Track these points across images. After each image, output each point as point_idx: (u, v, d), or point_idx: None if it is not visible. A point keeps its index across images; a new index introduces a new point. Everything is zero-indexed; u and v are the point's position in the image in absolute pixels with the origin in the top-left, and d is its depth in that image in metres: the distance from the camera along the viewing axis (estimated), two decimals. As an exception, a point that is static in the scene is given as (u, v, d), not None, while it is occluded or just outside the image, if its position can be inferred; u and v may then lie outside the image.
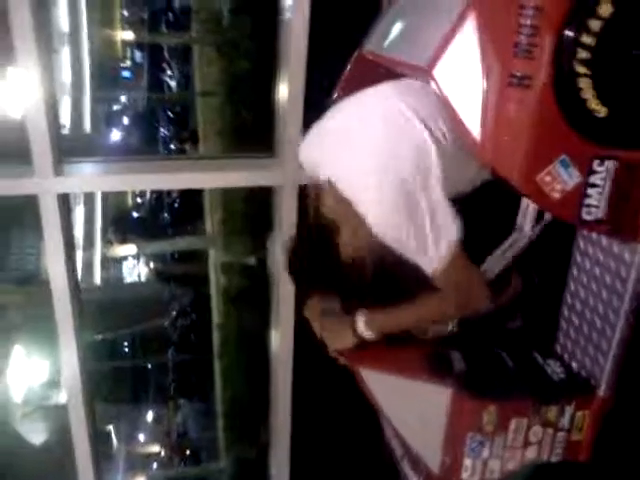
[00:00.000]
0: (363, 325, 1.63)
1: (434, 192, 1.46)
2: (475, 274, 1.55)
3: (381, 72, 1.70)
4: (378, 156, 1.49)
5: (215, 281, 8.73)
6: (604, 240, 1.63)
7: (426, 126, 1.50)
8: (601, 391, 1.65)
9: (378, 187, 1.47)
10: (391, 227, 1.48)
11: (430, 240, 1.45)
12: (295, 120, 2.22)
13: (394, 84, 1.64)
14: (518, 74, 1.33)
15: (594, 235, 1.65)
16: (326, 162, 1.60)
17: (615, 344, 1.60)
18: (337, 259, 1.57)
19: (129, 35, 13.23)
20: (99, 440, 2.70)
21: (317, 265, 1.59)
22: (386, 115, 1.54)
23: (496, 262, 1.70)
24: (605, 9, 1.31)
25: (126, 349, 11.82)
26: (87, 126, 11.39)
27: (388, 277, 1.69)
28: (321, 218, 1.59)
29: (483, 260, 1.69)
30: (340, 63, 1.91)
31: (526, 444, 1.64)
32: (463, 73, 1.38)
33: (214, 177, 2.45)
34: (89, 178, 2.34)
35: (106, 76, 12.91)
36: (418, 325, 1.67)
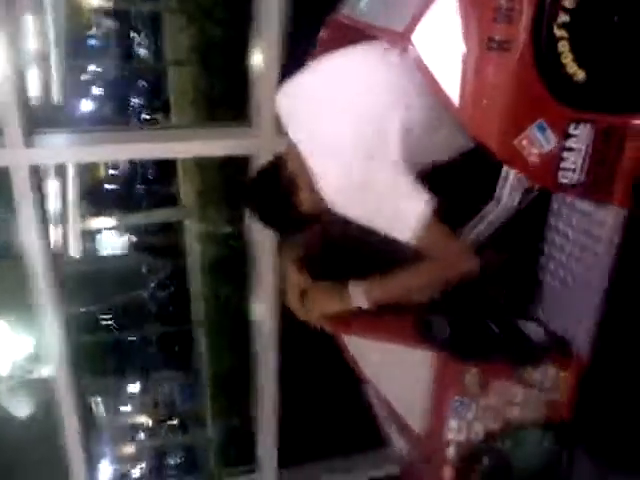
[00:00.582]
0: (358, 291, 1.64)
1: (396, 167, 1.48)
2: (453, 237, 1.57)
3: (357, 37, 1.68)
4: (341, 135, 1.51)
5: (193, 252, 8.71)
6: (577, 202, 1.64)
7: (393, 100, 1.51)
8: (580, 352, 1.68)
9: (337, 171, 1.50)
10: (351, 207, 1.52)
11: (395, 215, 1.48)
12: (270, 88, 2.18)
13: (366, 50, 1.63)
14: (497, 38, 1.33)
15: (568, 197, 1.66)
16: (293, 122, 1.63)
17: (592, 305, 1.62)
18: (294, 206, 1.60)
19: (97, 1, 12.90)
20: (86, 412, 2.71)
21: (271, 202, 1.63)
22: (354, 89, 1.56)
23: (471, 231, 1.70)
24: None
25: (108, 322, 11.80)
26: (57, 96, 11.15)
27: (369, 246, 1.71)
28: (285, 166, 1.61)
29: (459, 228, 1.70)
30: (316, 29, 1.88)
31: (508, 404, 1.67)
32: (441, 38, 1.38)
33: (188, 147, 2.42)
34: (61, 149, 2.29)
35: (75, 45, 12.61)
36: (412, 292, 1.68)
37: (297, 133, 1.61)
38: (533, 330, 1.75)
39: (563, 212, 1.71)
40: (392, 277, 1.63)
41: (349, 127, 1.51)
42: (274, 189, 1.60)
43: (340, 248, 1.83)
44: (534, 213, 1.76)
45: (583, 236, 1.64)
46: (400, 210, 1.48)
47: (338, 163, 1.50)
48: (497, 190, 1.63)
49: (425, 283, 1.65)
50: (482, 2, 1.33)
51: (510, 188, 1.61)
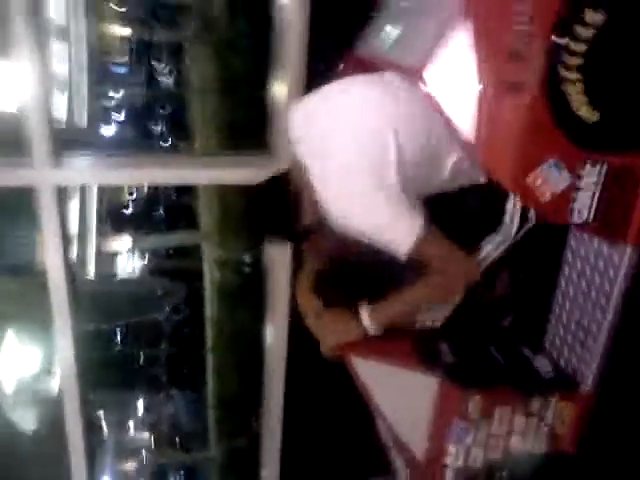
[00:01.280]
0: (367, 317, 1.67)
1: (393, 188, 1.51)
2: (452, 249, 1.59)
3: (373, 71, 1.72)
4: (344, 153, 1.55)
5: (209, 276, 8.73)
6: (595, 241, 1.66)
7: (395, 130, 1.53)
8: (586, 387, 1.69)
9: (338, 186, 1.54)
10: (350, 223, 1.55)
11: (391, 233, 1.51)
12: None
13: (378, 82, 1.66)
14: (511, 79, 1.37)
15: (586, 236, 1.68)
16: (303, 145, 1.67)
17: (601, 342, 1.64)
18: (297, 216, 1.63)
19: (126, 31, 13.19)
20: (91, 428, 2.72)
21: (276, 211, 1.65)
22: (359, 112, 1.59)
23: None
24: (592, 16, 1.34)
25: (120, 342, 11.81)
26: (84, 120, 11.35)
27: (375, 268, 1.73)
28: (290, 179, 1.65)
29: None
30: (335, 63, 1.93)
31: (510, 433, 1.68)
32: (455, 77, 1.42)
33: (209, 174, 2.48)
34: (86, 171, 2.35)
35: (102, 72, 12.86)
36: (420, 309, 1.71)
37: (306, 153, 1.65)
38: (541, 363, 1.76)
39: (580, 249, 1.73)
40: (398, 295, 1.66)
41: (352, 146, 1.55)
42: (280, 198, 1.64)
43: (348, 263, 1.87)
44: (552, 247, 1.78)
45: (596, 273, 1.65)
46: (395, 229, 1.51)
47: (338, 178, 1.55)
48: (505, 219, 1.65)
49: (431, 297, 1.67)
50: (496, 43, 1.37)
51: (517, 219, 1.63)
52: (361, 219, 1.53)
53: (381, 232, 1.53)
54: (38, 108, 2.09)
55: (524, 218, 1.64)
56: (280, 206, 1.64)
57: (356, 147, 1.54)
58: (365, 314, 1.68)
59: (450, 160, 1.56)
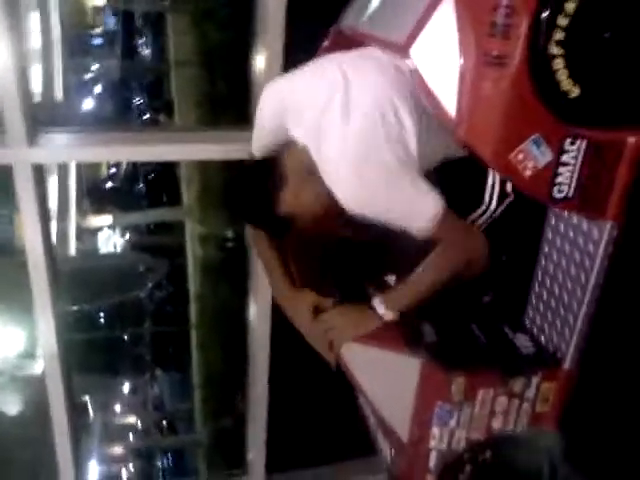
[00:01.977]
0: (383, 306, 1.62)
1: (412, 167, 1.49)
2: (464, 222, 1.59)
3: (358, 47, 1.70)
4: (359, 138, 1.50)
5: (192, 253, 8.71)
6: (575, 218, 1.66)
7: (402, 106, 1.51)
8: (567, 364, 1.70)
9: (357, 171, 1.49)
10: (369, 205, 1.51)
11: (411, 210, 1.48)
12: None
13: (377, 58, 1.62)
14: (494, 53, 1.35)
15: (565, 212, 1.68)
16: (299, 121, 1.59)
17: (581, 319, 1.64)
18: (273, 203, 1.56)
19: (101, 1, 12.94)
20: (76, 411, 2.71)
21: (252, 193, 1.57)
22: (370, 95, 1.53)
23: None
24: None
25: (103, 320, 11.79)
26: (59, 94, 11.17)
27: (380, 251, 1.72)
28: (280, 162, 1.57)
29: None
30: (318, 37, 1.91)
31: (492, 414, 1.69)
32: (439, 51, 1.40)
33: (190, 150, 2.44)
34: (64, 149, 2.32)
35: (78, 43, 12.65)
36: (435, 288, 1.62)
37: (298, 129, 1.59)
38: (522, 341, 1.77)
39: (560, 226, 1.73)
40: (409, 279, 1.63)
41: (360, 122, 1.50)
42: (260, 181, 1.57)
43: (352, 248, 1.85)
44: (531, 223, 1.79)
45: (576, 250, 1.66)
46: (414, 206, 1.48)
47: (349, 160, 1.50)
48: (485, 196, 1.65)
49: (448, 274, 1.59)
50: (479, 17, 1.35)
51: (497, 195, 1.63)
52: (381, 195, 1.49)
53: (402, 206, 1.49)
54: (13, 85, 2.03)
55: (504, 193, 1.64)
56: (261, 194, 1.57)
57: (371, 121, 1.49)
58: (380, 304, 1.63)
59: (438, 137, 1.54)
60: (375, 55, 1.62)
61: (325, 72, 1.62)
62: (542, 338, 1.80)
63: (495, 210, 1.66)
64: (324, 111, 1.54)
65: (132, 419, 13.03)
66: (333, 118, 1.52)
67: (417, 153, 1.51)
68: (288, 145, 1.61)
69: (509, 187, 1.63)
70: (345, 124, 1.51)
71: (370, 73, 1.57)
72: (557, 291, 1.74)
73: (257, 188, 1.57)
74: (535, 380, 1.68)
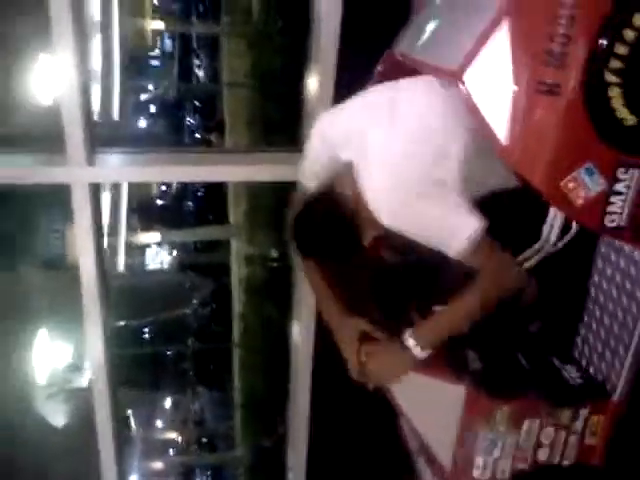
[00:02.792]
0: (413, 343, 1.56)
1: (454, 185, 1.49)
2: (502, 253, 1.54)
3: (412, 73, 1.71)
4: (403, 148, 1.52)
5: (237, 271, 8.79)
6: (626, 247, 1.64)
7: (451, 127, 1.52)
8: (616, 397, 1.67)
9: (394, 181, 1.49)
10: (403, 218, 1.50)
11: (448, 230, 1.47)
12: None
13: (421, 80, 1.65)
14: (548, 81, 1.34)
15: (616, 242, 1.65)
16: (344, 145, 1.61)
17: (632, 351, 1.61)
18: (358, 238, 1.56)
19: (159, 24, 13.32)
20: (120, 424, 2.75)
21: (327, 235, 1.55)
22: (418, 112, 1.56)
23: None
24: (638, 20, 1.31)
25: (147, 335, 11.95)
26: (116, 114, 11.50)
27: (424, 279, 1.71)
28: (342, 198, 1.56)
29: None
30: (370, 62, 1.93)
31: (538, 445, 1.66)
32: (493, 78, 1.40)
33: (241, 171, 2.47)
34: (120, 169, 2.38)
35: (136, 65, 13.02)
36: (467, 321, 1.58)
37: (347, 151, 1.60)
38: (570, 372, 1.74)
39: (611, 256, 1.71)
40: (442, 312, 1.61)
41: (403, 144, 1.52)
42: (336, 220, 1.55)
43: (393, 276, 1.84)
44: (582, 254, 1.76)
45: (627, 280, 1.63)
46: (453, 225, 1.47)
47: (387, 176, 1.50)
48: (544, 230, 1.64)
49: (479, 308, 1.55)
50: (534, 45, 1.35)
51: (558, 229, 1.61)
52: (416, 209, 1.48)
53: (438, 223, 1.48)
54: (76, 107, 2.10)
55: (566, 228, 1.62)
56: (339, 228, 1.55)
57: (416, 136, 1.51)
58: (411, 341, 1.57)
59: (488, 166, 1.55)
60: (426, 79, 1.63)
61: (370, 97, 1.66)
62: (591, 369, 1.77)
63: (555, 244, 1.65)
64: (371, 127, 1.56)
65: (173, 435, 13.10)
66: (380, 128, 1.55)
67: (461, 175, 1.50)
68: (338, 174, 1.61)
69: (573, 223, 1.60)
70: (390, 132, 1.53)
71: (419, 92, 1.60)
72: (607, 322, 1.71)
73: (334, 221, 1.55)
74: (583, 412, 1.65)
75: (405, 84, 1.67)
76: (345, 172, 1.59)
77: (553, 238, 1.63)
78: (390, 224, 1.52)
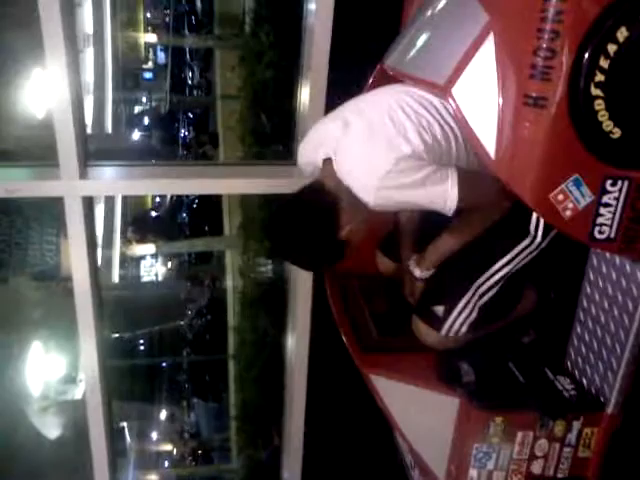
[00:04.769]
0: (416, 267, 1.80)
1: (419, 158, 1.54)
2: (486, 183, 1.59)
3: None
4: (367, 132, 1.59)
5: (232, 283, 8.77)
6: (617, 259, 1.64)
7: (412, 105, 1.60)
8: (610, 409, 1.67)
9: (369, 168, 1.55)
10: (388, 202, 1.56)
11: (432, 200, 1.54)
12: None
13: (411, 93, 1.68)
14: (533, 94, 1.36)
15: (608, 253, 1.67)
16: (326, 143, 1.68)
17: (624, 363, 1.62)
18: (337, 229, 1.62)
19: (152, 37, 13.37)
20: (114, 436, 2.74)
21: (313, 226, 1.63)
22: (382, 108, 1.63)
23: (508, 264, 1.73)
24: (623, 33, 1.32)
25: (142, 347, 11.90)
26: (109, 126, 11.51)
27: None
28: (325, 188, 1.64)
29: (494, 262, 1.72)
30: (361, 75, 1.95)
31: (532, 457, 1.66)
32: (479, 92, 1.42)
33: (234, 184, 2.48)
34: (112, 182, 2.39)
35: (128, 77, 13.04)
36: (466, 240, 1.72)
37: (325, 148, 1.67)
38: (563, 384, 1.74)
39: (602, 267, 1.72)
40: (443, 243, 1.74)
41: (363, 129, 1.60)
42: (317, 212, 1.63)
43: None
44: (573, 263, 1.77)
45: (619, 292, 1.64)
46: (434, 195, 1.53)
47: (359, 162, 1.58)
48: (531, 228, 1.65)
49: (471, 234, 1.70)
50: (519, 59, 1.37)
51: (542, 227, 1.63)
52: (400, 190, 1.54)
53: (422, 201, 1.55)
54: (69, 121, 2.12)
55: (549, 226, 1.64)
56: (318, 220, 1.63)
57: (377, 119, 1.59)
58: (413, 265, 1.81)
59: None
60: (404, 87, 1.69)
61: (347, 105, 1.74)
62: (584, 381, 1.77)
63: (541, 242, 1.67)
64: (342, 124, 1.64)
65: (168, 447, 13.02)
66: (348, 123, 1.63)
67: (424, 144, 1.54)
68: (321, 170, 1.69)
69: None
70: (356, 124, 1.61)
71: (383, 92, 1.69)
72: (599, 333, 1.72)
73: (317, 220, 1.62)
74: (577, 424, 1.65)
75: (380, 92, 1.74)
76: (325, 166, 1.66)
77: (539, 237, 1.65)
78: (376, 205, 1.57)
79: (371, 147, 1.56)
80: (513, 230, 1.69)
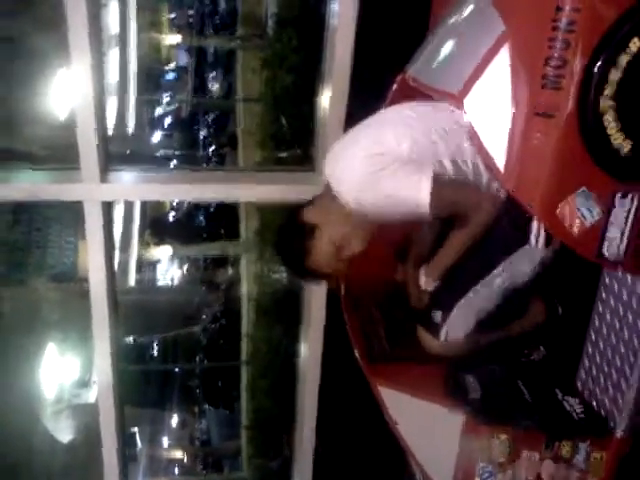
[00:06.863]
0: (424, 279, 1.83)
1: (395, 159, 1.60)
2: (463, 191, 1.64)
3: (422, 96, 1.74)
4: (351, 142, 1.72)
5: (247, 288, 8.77)
6: (628, 277, 1.61)
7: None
8: (619, 433, 1.64)
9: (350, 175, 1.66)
10: (368, 205, 1.64)
11: (406, 203, 1.59)
12: (335, 134, 2.21)
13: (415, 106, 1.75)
14: (543, 104, 1.35)
15: (619, 272, 1.63)
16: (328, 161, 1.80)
17: (634, 386, 1.59)
18: (306, 253, 1.72)
19: (175, 38, 13.46)
20: (126, 441, 2.75)
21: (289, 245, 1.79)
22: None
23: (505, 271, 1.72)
24: (635, 44, 1.31)
25: (156, 352, 11.92)
26: (130, 127, 11.58)
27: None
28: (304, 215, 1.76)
29: (493, 268, 1.71)
30: (384, 81, 1.95)
31: (537, 478, 1.63)
32: (491, 102, 1.42)
33: (253, 190, 2.49)
34: (132, 187, 2.40)
35: (151, 78, 13.13)
36: (461, 247, 1.73)
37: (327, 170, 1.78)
38: (572, 405, 1.71)
39: (614, 285, 1.69)
40: (444, 252, 1.77)
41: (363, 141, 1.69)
42: (295, 233, 1.76)
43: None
44: (585, 279, 1.75)
45: (629, 312, 1.61)
46: (407, 199, 1.59)
47: (349, 170, 1.66)
48: (531, 237, 1.64)
49: (471, 238, 1.70)
50: (532, 69, 1.36)
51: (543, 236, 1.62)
52: (375, 198, 1.63)
53: (397, 197, 1.60)
54: (92, 125, 2.13)
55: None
56: (292, 241, 1.78)
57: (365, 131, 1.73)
58: (422, 276, 1.84)
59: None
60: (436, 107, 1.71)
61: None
62: (594, 403, 1.74)
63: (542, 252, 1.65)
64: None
65: (179, 453, 13.01)
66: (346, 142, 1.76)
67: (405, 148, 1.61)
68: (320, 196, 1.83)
69: None
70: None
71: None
72: (610, 354, 1.69)
73: (292, 240, 1.77)
74: (583, 446, 1.62)
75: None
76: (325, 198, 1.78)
77: (540, 245, 1.63)
78: (360, 208, 1.66)
79: (350, 139, 1.72)
80: (513, 239, 1.67)
